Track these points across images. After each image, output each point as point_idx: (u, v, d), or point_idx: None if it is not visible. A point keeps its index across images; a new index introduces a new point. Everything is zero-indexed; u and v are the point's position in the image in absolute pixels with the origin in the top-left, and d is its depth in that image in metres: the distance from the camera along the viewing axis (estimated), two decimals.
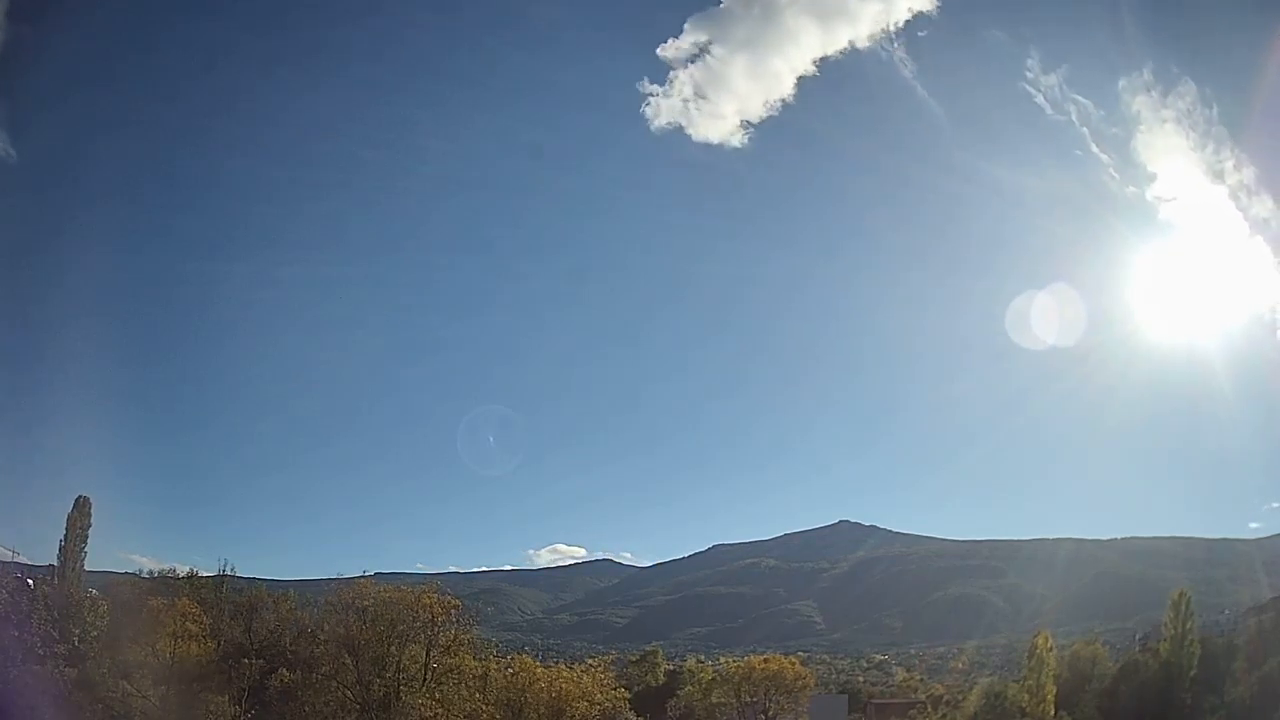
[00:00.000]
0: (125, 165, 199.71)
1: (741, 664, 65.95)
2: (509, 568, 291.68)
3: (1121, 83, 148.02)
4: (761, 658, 68.64)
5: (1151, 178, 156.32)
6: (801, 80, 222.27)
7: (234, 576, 57.42)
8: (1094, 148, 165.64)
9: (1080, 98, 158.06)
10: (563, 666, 51.46)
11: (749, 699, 60.85)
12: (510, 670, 46.92)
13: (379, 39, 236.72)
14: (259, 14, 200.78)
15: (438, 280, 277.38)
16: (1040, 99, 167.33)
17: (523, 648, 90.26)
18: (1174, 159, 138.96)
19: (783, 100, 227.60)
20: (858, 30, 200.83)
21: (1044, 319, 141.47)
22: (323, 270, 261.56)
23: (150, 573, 61.04)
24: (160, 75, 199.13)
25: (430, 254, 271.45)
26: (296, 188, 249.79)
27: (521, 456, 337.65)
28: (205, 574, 56.95)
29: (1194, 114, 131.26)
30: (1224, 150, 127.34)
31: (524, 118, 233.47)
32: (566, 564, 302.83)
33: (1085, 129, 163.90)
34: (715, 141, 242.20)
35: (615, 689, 49.68)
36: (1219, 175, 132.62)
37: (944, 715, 66.08)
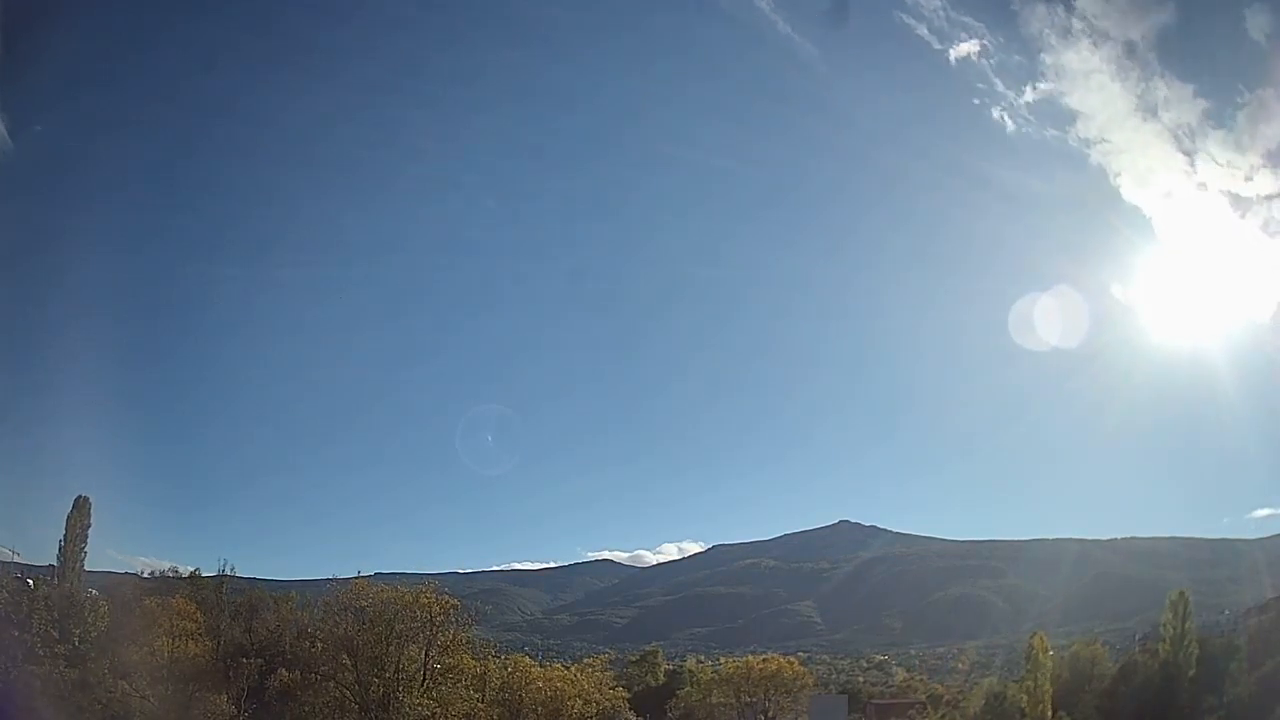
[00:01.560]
0: (125, 166, 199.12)
1: (740, 664, 66.04)
2: (509, 568, 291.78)
3: None
4: (760, 658, 68.76)
5: (1071, 117, 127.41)
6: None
7: (234, 577, 57.62)
8: (998, 84, 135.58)
9: (970, 20, 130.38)
10: (560, 666, 51.64)
11: (749, 699, 60.95)
12: (508, 670, 47.03)
13: (375, 40, 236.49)
14: (255, 15, 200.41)
15: (437, 281, 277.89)
16: (923, 30, 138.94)
17: (522, 648, 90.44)
18: (1093, 88, 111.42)
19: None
20: None
21: (1046, 320, 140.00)
22: (322, 271, 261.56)
23: (151, 573, 61.39)
24: (157, 76, 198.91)
25: (429, 255, 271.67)
26: (295, 189, 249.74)
27: (520, 455, 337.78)
28: (205, 574, 57.26)
29: (1109, 31, 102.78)
30: (1155, 78, 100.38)
31: (521, 118, 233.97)
32: (566, 564, 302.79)
33: (985, 62, 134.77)
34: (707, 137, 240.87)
35: (614, 689, 49.82)
36: (1151, 110, 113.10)
37: (944, 715, 66.17)
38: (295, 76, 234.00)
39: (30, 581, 44.17)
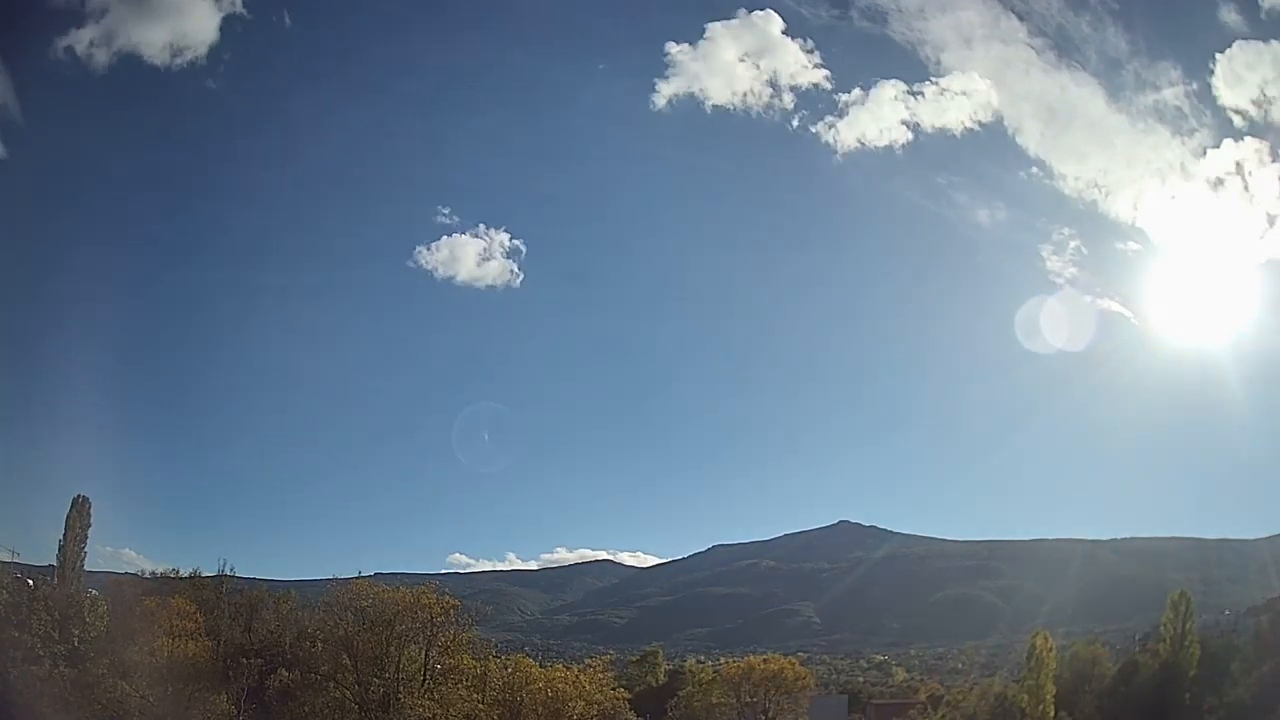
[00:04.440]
0: (124, 168, 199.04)
1: (741, 664, 66.05)
2: (509, 568, 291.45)
3: None
4: (761, 658, 68.82)
5: None
6: None
7: (233, 577, 57.60)
8: None
9: None
10: (560, 667, 51.54)
11: (749, 699, 60.97)
12: (508, 670, 46.96)
13: (367, 39, 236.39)
14: (249, 16, 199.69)
15: (435, 282, 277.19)
16: None
17: (522, 648, 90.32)
18: None
19: None
20: None
21: (1051, 322, 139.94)
22: (320, 274, 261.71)
23: (150, 573, 61.35)
24: (152, 78, 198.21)
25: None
26: (293, 192, 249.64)
27: (517, 453, 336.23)
28: (205, 574, 57.25)
29: None
30: None
31: (515, 118, 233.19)
32: (566, 564, 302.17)
33: None
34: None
35: (614, 689, 49.70)
36: None
37: (944, 715, 66.02)
38: (287, 79, 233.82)
39: (30, 581, 44.07)
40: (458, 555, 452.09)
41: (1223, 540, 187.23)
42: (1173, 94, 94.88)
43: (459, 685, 41.96)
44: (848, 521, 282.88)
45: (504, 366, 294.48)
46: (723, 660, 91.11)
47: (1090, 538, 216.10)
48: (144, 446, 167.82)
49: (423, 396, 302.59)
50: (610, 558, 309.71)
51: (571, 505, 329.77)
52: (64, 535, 48.81)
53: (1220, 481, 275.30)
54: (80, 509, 49.88)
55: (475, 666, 44.49)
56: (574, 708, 43.15)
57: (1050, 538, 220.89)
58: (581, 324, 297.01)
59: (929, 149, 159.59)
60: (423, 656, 41.88)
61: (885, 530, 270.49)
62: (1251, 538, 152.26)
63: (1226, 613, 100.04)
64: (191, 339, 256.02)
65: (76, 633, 39.02)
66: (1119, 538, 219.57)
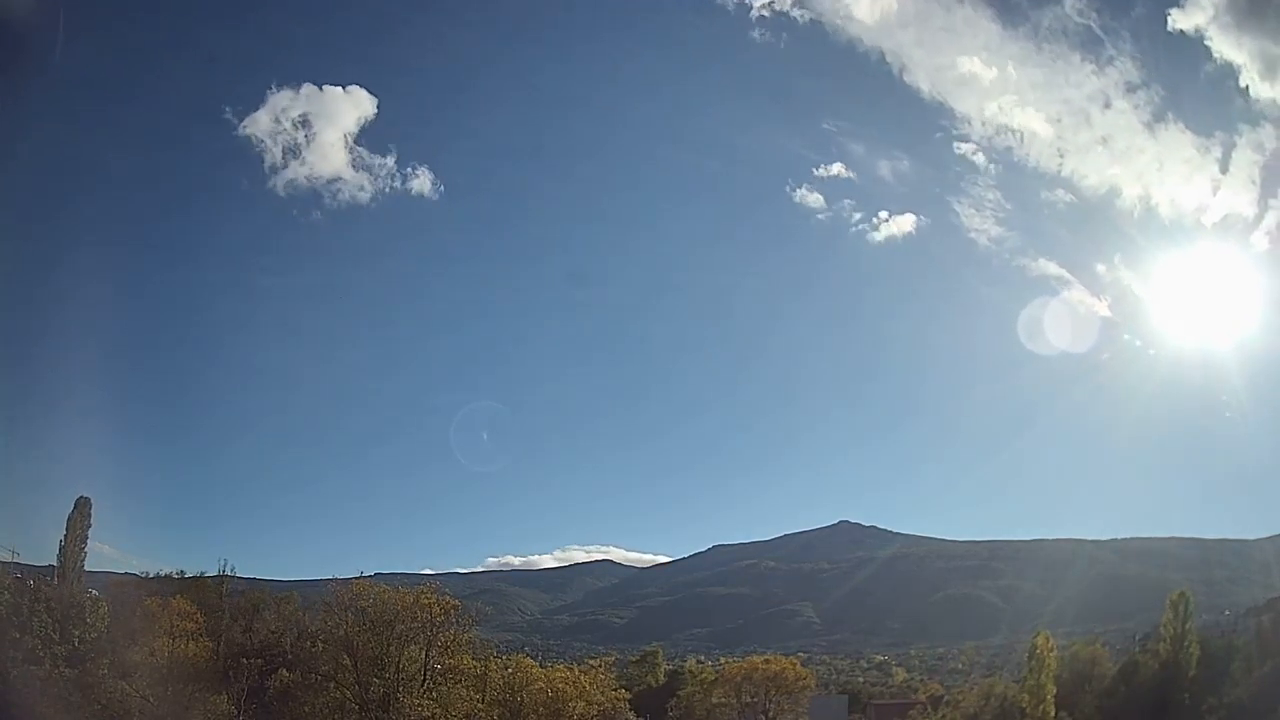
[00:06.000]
0: (126, 167, 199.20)
1: (743, 664, 66.10)
2: (509, 568, 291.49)
3: None
4: (763, 658, 68.89)
5: None
6: None
7: (234, 577, 57.63)
8: None
9: None
10: (561, 667, 51.58)
11: (749, 699, 61.02)
12: (508, 671, 47.00)
13: (365, 40, 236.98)
14: (246, 16, 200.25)
15: (433, 282, 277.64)
16: None
17: (522, 648, 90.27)
18: None
19: None
20: None
21: (1054, 324, 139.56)
22: (320, 274, 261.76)
23: (151, 573, 61.38)
24: (153, 81, 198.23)
25: (426, 260, 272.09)
26: (291, 189, 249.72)
27: (517, 452, 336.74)
28: (206, 575, 57.27)
29: None
30: None
31: (513, 119, 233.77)
32: (566, 564, 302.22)
33: None
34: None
35: (614, 689, 49.75)
36: None
37: (944, 715, 66.03)
38: (284, 79, 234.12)
39: (30, 582, 44.08)
40: (458, 555, 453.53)
41: (1223, 540, 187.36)
42: (1074, 8, 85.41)
43: (459, 685, 42.00)
44: (848, 521, 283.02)
45: (503, 366, 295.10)
46: (723, 660, 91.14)
47: (1091, 538, 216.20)
48: (144, 446, 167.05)
49: (423, 396, 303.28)
50: (610, 558, 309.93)
51: (571, 505, 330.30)
52: (65, 535, 48.81)
53: (1220, 482, 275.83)
54: (81, 509, 49.88)
55: (475, 667, 44.52)
56: (574, 708, 43.23)
57: (1051, 538, 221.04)
58: (581, 322, 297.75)
59: (800, 89, 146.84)
60: (423, 657, 41.89)
61: (885, 530, 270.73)
62: (1251, 538, 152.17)
63: (1226, 613, 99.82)
64: (191, 339, 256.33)
65: (77, 633, 39.02)
66: (1119, 538, 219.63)
